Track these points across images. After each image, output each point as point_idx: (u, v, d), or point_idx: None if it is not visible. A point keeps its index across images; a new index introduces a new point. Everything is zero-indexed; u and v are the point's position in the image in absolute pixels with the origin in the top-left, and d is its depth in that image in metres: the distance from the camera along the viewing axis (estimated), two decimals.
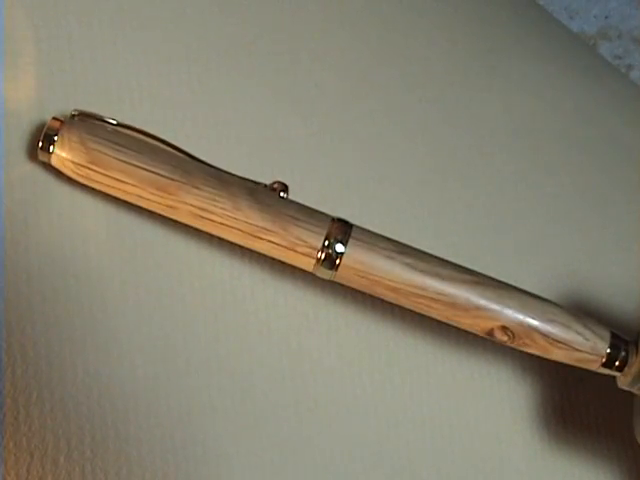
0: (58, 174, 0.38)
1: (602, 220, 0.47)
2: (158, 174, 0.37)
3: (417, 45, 0.47)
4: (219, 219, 0.37)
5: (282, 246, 0.37)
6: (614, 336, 0.38)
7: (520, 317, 0.37)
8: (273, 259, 0.38)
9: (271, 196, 0.38)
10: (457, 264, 0.38)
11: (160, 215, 0.38)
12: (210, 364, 0.39)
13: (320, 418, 0.41)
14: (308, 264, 0.37)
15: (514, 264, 0.45)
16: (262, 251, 0.38)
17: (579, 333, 0.37)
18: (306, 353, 0.41)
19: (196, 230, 0.38)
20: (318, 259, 0.37)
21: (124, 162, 0.36)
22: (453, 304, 0.37)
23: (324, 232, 0.37)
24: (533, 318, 0.37)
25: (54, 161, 0.37)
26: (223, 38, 0.42)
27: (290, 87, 0.43)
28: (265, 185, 0.39)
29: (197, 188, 0.37)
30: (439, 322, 0.38)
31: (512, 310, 0.37)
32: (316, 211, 0.38)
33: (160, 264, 0.39)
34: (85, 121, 0.38)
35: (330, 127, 0.43)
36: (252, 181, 0.39)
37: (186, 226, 0.38)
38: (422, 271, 0.37)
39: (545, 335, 0.37)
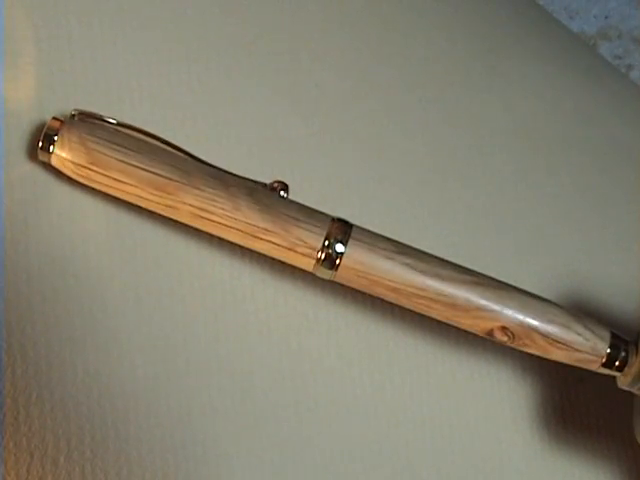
0: (58, 174, 0.38)
1: (602, 220, 0.47)
2: (157, 174, 0.37)
3: (417, 45, 0.47)
4: (219, 219, 0.37)
5: (282, 246, 0.37)
6: (614, 336, 0.38)
7: (520, 318, 0.37)
8: (273, 259, 0.38)
9: (271, 196, 0.38)
10: (457, 264, 0.38)
11: (160, 215, 0.38)
12: (210, 364, 0.39)
13: (320, 418, 0.41)
14: (308, 264, 0.37)
15: (514, 264, 0.45)
16: (262, 251, 0.38)
17: (579, 334, 0.37)
18: (306, 353, 0.41)
19: (196, 230, 0.38)
20: (318, 259, 0.37)
21: (124, 162, 0.36)
22: (453, 305, 0.37)
23: (324, 232, 0.37)
24: (533, 319, 0.37)
25: (54, 161, 0.37)
26: (223, 38, 0.42)
27: (290, 87, 0.43)
28: (265, 184, 0.39)
29: (197, 188, 0.37)
30: (439, 322, 0.38)
31: (512, 311, 0.37)
32: (316, 211, 0.38)
33: (160, 264, 0.39)
34: (85, 121, 0.38)
35: (330, 127, 0.43)
36: (252, 180, 0.39)
37: (186, 226, 0.38)
38: (422, 271, 0.37)
39: (545, 336, 0.37)
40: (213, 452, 0.39)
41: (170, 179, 0.37)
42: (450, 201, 0.45)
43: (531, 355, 0.38)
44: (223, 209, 0.37)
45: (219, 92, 0.42)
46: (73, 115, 0.38)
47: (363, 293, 0.39)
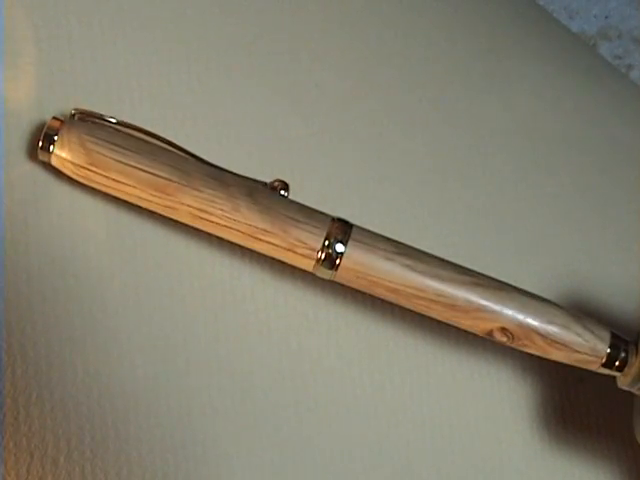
0: (58, 174, 0.38)
1: (602, 220, 0.47)
2: (157, 175, 0.37)
3: (417, 45, 0.47)
4: (218, 220, 0.37)
5: (281, 247, 0.37)
6: (614, 336, 0.38)
7: (519, 319, 0.37)
8: (273, 259, 0.38)
9: (271, 196, 0.37)
10: (457, 264, 0.38)
11: (160, 215, 0.38)
12: (210, 364, 0.39)
13: (320, 418, 0.41)
14: (308, 265, 0.37)
15: (514, 264, 0.45)
16: (262, 251, 0.38)
17: (578, 334, 0.37)
18: (306, 353, 0.41)
19: (196, 230, 0.38)
20: (318, 259, 0.37)
21: (123, 163, 0.36)
22: (452, 305, 0.37)
23: (324, 233, 0.37)
24: (532, 320, 0.37)
25: (54, 161, 0.37)
26: (223, 38, 0.42)
27: (290, 87, 0.43)
28: (266, 184, 0.39)
29: (196, 189, 0.37)
30: (439, 322, 0.38)
31: (511, 312, 0.37)
32: (316, 211, 0.38)
33: (160, 264, 0.39)
34: (85, 120, 0.38)
35: (330, 127, 0.43)
36: (253, 180, 0.39)
37: (186, 226, 0.38)
38: (421, 272, 0.37)
39: (544, 336, 0.37)
40: (213, 452, 0.39)
41: (169, 180, 0.37)
42: (450, 201, 0.45)
43: (531, 355, 0.38)
44: (222, 210, 0.37)
45: (219, 92, 0.42)
46: (73, 114, 0.38)
47: (363, 293, 0.39)
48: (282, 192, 0.39)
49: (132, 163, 0.36)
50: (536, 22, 0.53)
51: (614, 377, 0.38)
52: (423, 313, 0.38)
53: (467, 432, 0.42)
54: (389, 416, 0.42)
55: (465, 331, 0.38)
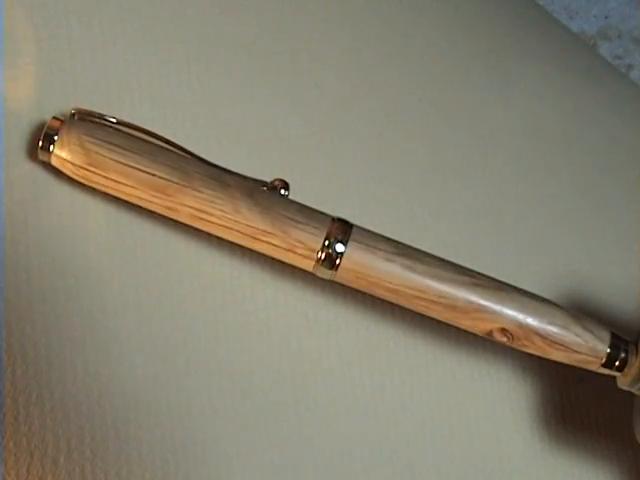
0: (58, 174, 0.38)
1: (602, 220, 0.47)
2: (157, 176, 0.37)
3: (417, 45, 0.47)
4: (218, 221, 0.37)
5: (281, 248, 0.37)
6: (614, 336, 0.38)
7: (519, 319, 0.37)
8: (273, 259, 0.38)
9: (271, 197, 0.37)
10: (457, 265, 0.38)
11: (160, 215, 0.38)
12: (210, 364, 0.39)
13: (320, 418, 0.41)
14: (308, 265, 0.37)
15: (514, 264, 0.45)
16: (262, 251, 0.38)
17: (578, 335, 0.37)
18: (306, 353, 0.41)
19: (196, 230, 0.38)
20: (318, 259, 0.37)
21: (123, 164, 0.36)
22: (452, 306, 0.37)
23: (323, 234, 0.37)
24: (532, 320, 0.37)
25: (54, 161, 0.37)
26: (223, 38, 0.42)
27: (290, 87, 0.43)
28: (266, 183, 0.39)
29: (196, 190, 0.37)
30: (439, 322, 0.38)
31: (511, 312, 0.37)
32: (316, 212, 0.38)
33: (160, 264, 0.39)
34: (85, 120, 0.38)
35: (330, 127, 0.43)
36: (253, 179, 0.39)
37: (186, 226, 0.38)
38: (421, 273, 0.37)
39: (544, 337, 0.37)
40: (213, 452, 0.39)
41: (169, 181, 0.37)
42: (450, 201, 0.45)
43: (531, 355, 0.38)
44: (222, 211, 0.37)
45: (219, 92, 0.42)
46: (73, 114, 0.38)
47: (363, 293, 0.39)
48: (282, 191, 0.39)
49: (132, 164, 0.36)
50: (536, 22, 0.53)
51: (614, 377, 0.38)
52: (423, 313, 0.38)
53: (467, 432, 0.42)
54: (389, 416, 0.42)
55: (465, 331, 0.38)
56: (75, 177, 0.37)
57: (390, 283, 0.37)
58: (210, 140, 0.41)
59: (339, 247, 0.37)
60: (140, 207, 0.38)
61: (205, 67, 0.42)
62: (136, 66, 0.40)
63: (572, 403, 0.44)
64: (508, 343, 0.38)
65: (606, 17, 0.97)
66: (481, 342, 0.42)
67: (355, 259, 0.37)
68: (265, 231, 0.37)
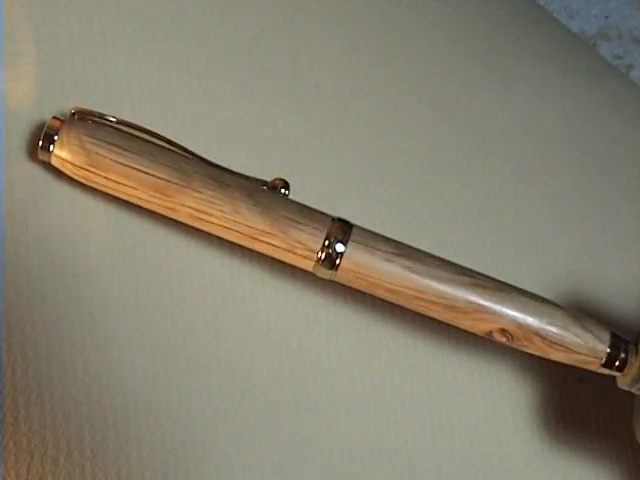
0: (58, 174, 0.38)
1: (602, 220, 0.47)
2: (156, 177, 0.37)
3: (417, 45, 0.47)
4: (218, 221, 0.37)
5: (281, 248, 0.37)
6: (614, 336, 0.38)
7: (518, 320, 0.37)
8: (273, 259, 0.38)
9: (271, 197, 0.37)
10: (457, 265, 0.38)
11: (160, 215, 0.38)
12: (210, 364, 0.39)
13: (320, 418, 0.41)
14: (308, 266, 0.37)
15: (514, 264, 0.45)
16: (262, 252, 0.38)
17: (578, 336, 0.37)
18: (306, 353, 0.41)
19: (196, 230, 0.38)
20: (318, 259, 0.37)
21: (123, 165, 0.36)
22: (452, 307, 0.37)
23: (323, 234, 0.37)
24: (531, 321, 0.37)
25: (54, 161, 0.37)
26: (223, 38, 0.42)
27: (290, 87, 0.43)
28: (266, 182, 0.39)
29: (195, 191, 0.37)
30: (439, 322, 0.38)
31: (510, 313, 0.37)
32: (316, 212, 0.38)
33: (160, 264, 0.39)
34: (85, 119, 0.38)
35: (330, 127, 0.43)
36: (253, 178, 0.39)
37: (186, 226, 0.38)
38: (421, 274, 0.37)
39: (543, 338, 0.37)
40: (213, 452, 0.39)
41: (169, 181, 0.37)
42: (450, 201, 0.45)
43: (531, 355, 0.38)
44: (222, 211, 0.37)
45: (219, 92, 0.42)
46: (73, 114, 0.38)
47: (363, 293, 0.39)
48: (283, 191, 0.39)
49: (132, 164, 0.36)
50: (536, 22, 0.53)
51: (614, 377, 0.38)
52: (423, 313, 0.38)
53: (467, 432, 0.42)
54: (389, 416, 0.42)
55: (465, 331, 0.38)
56: (75, 177, 0.37)
57: (390, 283, 0.37)
58: (210, 140, 0.41)
59: (339, 247, 0.37)
60: (140, 207, 0.38)
61: (205, 67, 0.42)
62: (136, 66, 0.40)
63: (572, 403, 0.44)
64: (508, 343, 0.38)
65: (606, 17, 0.97)
66: (481, 342, 0.42)
67: (355, 259, 0.37)
68: (265, 231, 0.37)
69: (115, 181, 0.37)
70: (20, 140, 0.38)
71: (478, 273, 0.38)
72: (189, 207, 0.37)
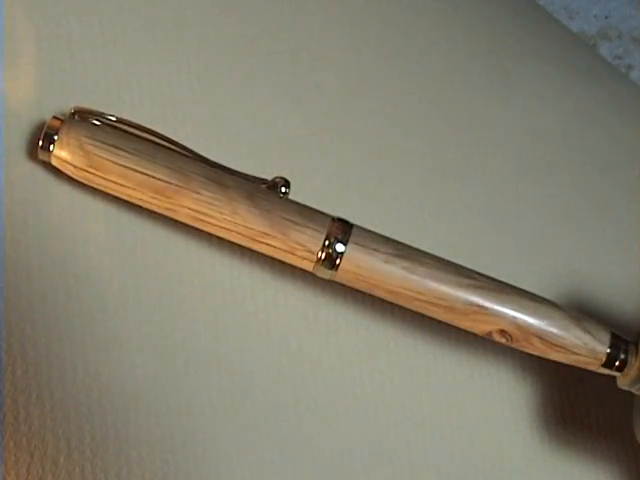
0: (58, 174, 0.38)
1: (602, 220, 0.47)
2: (155, 178, 0.37)
3: (417, 45, 0.47)
4: (217, 222, 0.37)
5: (281, 250, 0.37)
6: (614, 337, 0.38)
7: (518, 321, 0.37)
8: (273, 259, 0.38)
9: (271, 198, 0.37)
10: (457, 265, 0.38)
11: (160, 215, 0.38)
12: (210, 364, 0.39)
13: (320, 418, 0.41)
14: (307, 266, 0.37)
15: (514, 264, 0.45)
16: (262, 252, 0.38)
17: (577, 337, 0.37)
18: (306, 353, 0.41)
19: (196, 230, 0.38)
20: (318, 259, 0.37)
21: (122, 166, 0.36)
22: (452, 308, 0.37)
23: (323, 235, 0.37)
24: (531, 322, 0.37)
25: (54, 161, 0.37)
26: (223, 38, 0.42)
27: (290, 87, 0.43)
28: (266, 181, 0.39)
29: (195, 192, 0.37)
30: (439, 322, 0.38)
31: (510, 314, 0.37)
32: (316, 212, 0.38)
33: (160, 264, 0.39)
34: (85, 119, 0.38)
35: (330, 127, 0.43)
36: (253, 177, 0.39)
37: (186, 226, 0.38)
38: (421, 275, 0.37)
39: (543, 339, 0.37)
40: (213, 452, 0.39)
41: (168, 183, 0.37)
42: (450, 201, 0.45)
43: (531, 355, 0.38)
44: (221, 212, 0.37)
45: (219, 92, 0.42)
46: (73, 113, 0.38)
47: (363, 293, 0.39)
48: (283, 189, 0.39)
49: (131, 165, 0.36)
50: (536, 22, 0.53)
51: (614, 377, 0.38)
52: (423, 313, 0.38)
53: (467, 432, 0.42)
54: (389, 416, 0.42)
55: (465, 331, 0.38)
56: (75, 177, 0.37)
57: (389, 285, 0.37)
58: (210, 140, 0.41)
59: (339, 247, 0.37)
60: (140, 207, 0.38)
61: (205, 67, 0.42)
62: (136, 66, 0.40)
63: (572, 403, 0.44)
64: (507, 344, 0.38)
65: (606, 17, 0.97)
66: (481, 342, 0.42)
67: (355, 261, 0.37)
68: (264, 233, 0.37)
69: (115, 182, 0.37)
70: (20, 140, 0.38)
71: (478, 273, 0.38)
72: (188, 208, 0.37)
